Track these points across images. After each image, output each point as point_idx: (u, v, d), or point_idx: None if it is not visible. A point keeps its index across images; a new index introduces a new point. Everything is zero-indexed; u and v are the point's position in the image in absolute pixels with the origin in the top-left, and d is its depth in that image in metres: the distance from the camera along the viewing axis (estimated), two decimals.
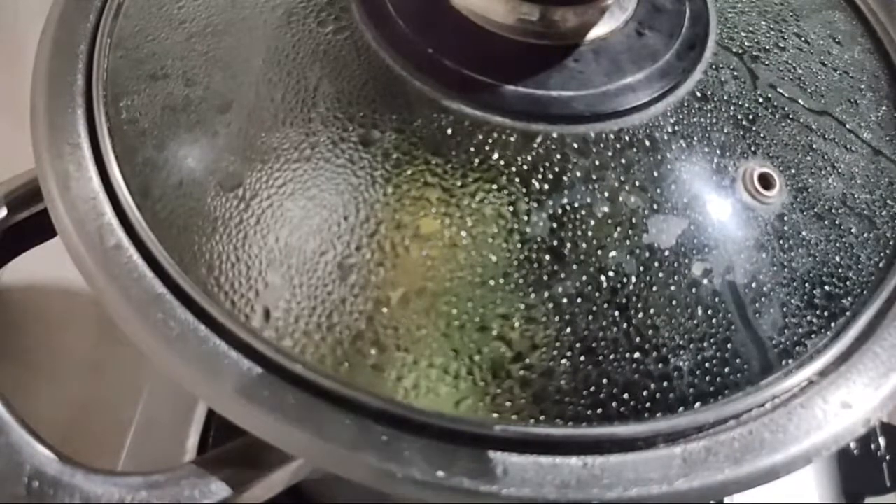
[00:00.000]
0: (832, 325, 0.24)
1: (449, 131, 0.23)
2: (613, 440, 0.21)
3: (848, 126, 0.27)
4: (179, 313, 0.22)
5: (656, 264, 0.23)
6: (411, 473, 0.20)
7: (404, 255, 0.22)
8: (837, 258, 0.25)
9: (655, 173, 0.23)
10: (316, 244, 0.22)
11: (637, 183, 0.23)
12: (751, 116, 0.25)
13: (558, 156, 0.23)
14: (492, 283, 0.22)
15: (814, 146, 0.26)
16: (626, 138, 0.24)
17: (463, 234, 0.22)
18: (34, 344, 0.46)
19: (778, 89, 0.26)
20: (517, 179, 0.23)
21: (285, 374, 0.21)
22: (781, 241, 0.24)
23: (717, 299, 0.23)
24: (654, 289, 0.22)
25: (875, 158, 0.27)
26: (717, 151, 0.24)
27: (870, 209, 0.26)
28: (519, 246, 0.22)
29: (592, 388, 0.21)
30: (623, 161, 0.23)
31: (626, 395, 0.21)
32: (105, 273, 0.23)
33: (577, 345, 0.22)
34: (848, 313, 0.24)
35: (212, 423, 0.40)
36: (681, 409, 0.22)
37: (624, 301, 0.22)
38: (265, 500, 0.23)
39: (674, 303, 0.22)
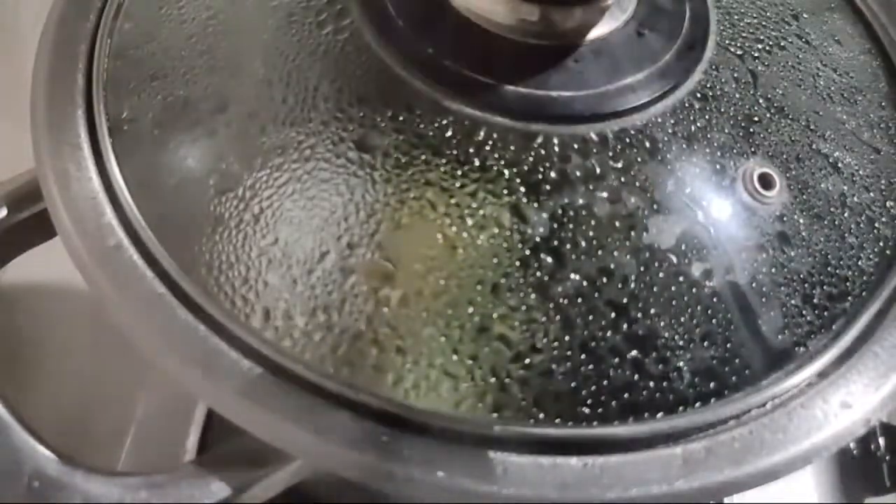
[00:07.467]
0: (832, 325, 0.24)
1: (449, 131, 0.23)
2: (613, 440, 0.21)
3: (848, 126, 0.27)
4: (179, 313, 0.22)
5: (656, 264, 0.23)
6: (411, 473, 0.20)
7: (404, 255, 0.22)
8: (837, 258, 0.25)
9: (655, 173, 0.23)
10: (316, 244, 0.22)
11: (637, 183, 0.23)
12: (751, 117, 0.25)
13: (558, 156, 0.23)
14: (492, 283, 0.22)
15: (814, 146, 0.26)
16: (627, 139, 0.24)
17: (463, 234, 0.22)
18: (34, 344, 0.46)
19: (778, 89, 0.26)
20: (517, 179, 0.23)
21: (285, 374, 0.21)
22: (781, 241, 0.24)
23: (716, 299, 0.23)
24: (654, 289, 0.22)
25: (875, 158, 0.27)
26: (717, 152, 0.24)
27: (870, 209, 0.26)
28: (519, 246, 0.22)
29: (592, 388, 0.21)
30: (623, 161, 0.23)
31: (626, 395, 0.21)
32: (105, 273, 0.23)
33: (577, 345, 0.22)
34: (848, 313, 0.24)
35: (212, 423, 0.40)
36: (681, 409, 0.22)
37: (624, 301, 0.22)
38: (265, 500, 0.23)
39: (674, 303, 0.22)
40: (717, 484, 0.21)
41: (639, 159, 0.23)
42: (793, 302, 0.24)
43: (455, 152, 0.23)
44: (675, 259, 0.23)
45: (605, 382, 0.21)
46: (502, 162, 0.23)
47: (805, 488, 0.42)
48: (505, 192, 0.22)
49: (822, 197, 0.25)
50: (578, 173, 0.23)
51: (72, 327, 0.46)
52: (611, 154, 0.23)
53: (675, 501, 0.21)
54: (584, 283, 0.22)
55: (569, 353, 0.21)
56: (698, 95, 0.25)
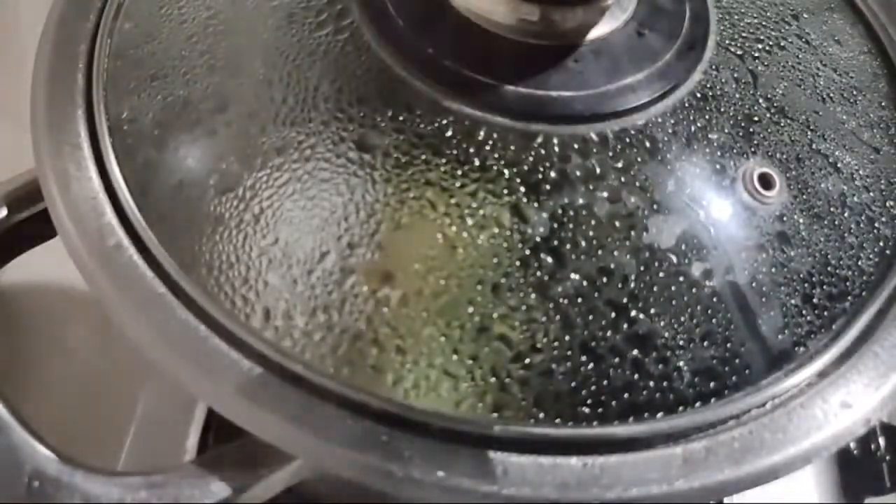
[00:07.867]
0: (832, 325, 0.24)
1: (449, 131, 0.23)
2: (613, 440, 0.21)
3: (848, 126, 0.27)
4: (179, 313, 0.22)
5: (656, 264, 0.23)
6: (411, 473, 0.20)
7: (404, 255, 0.22)
8: (837, 258, 0.25)
9: (655, 173, 0.23)
10: (316, 244, 0.22)
11: (637, 183, 0.23)
12: (751, 117, 0.25)
13: (558, 156, 0.23)
14: (492, 283, 0.22)
15: (814, 146, 0.26)
16: (627, 139, 0.24)
17: (463, 234, 0.22)
18: (34, 344, 0.46)
19: (778, 89, 0.26)
20: (517, 179, 0.23)
21: (285, 374, 0.21)
22: (781, 241, 0.24)
23: (716, 299, 0.23)
24: (654, 289, 0.22)
25: (875, 158, 0.27)
26: (717, 151, 0.24)
27: (870, 209, 0.26)
28: (519, 246, 0.22)
29: (592, 388, 0.21)
30: (623, 161, 0.23)
31: (626, 395, 0.22)
32: (105, 273, 0.23)
33: (577, 345, 0.22)
34: (848, 313, 0.24)
35: (212, 423, 0.40)
36: (681, 409, 0.22)
37: (624, 301, 0.22)
38: (265, 500, 0.23)
39: (674, 303, 0.22)
40: (717, 484, 0.21)
41: (639, 159, 0.23)
42: (793, 302, 0.24)
43: (455, 152, 0.23)
44: (675, 259, 0.23)
45: (605, 382, 0.21)
46: (502, 162, 0.23)
47: (805, 488, 0.42)
48: (505, 191, 0.22)
49: (822, 197, 0.25)
50: (578, 173, 0.23)
51: (72, 327, 0.46)
52: (611, 154, 0.23)
53: (675, 501, 0.21)
54: (584, 283, 0.22)
55: (569, 353, 0.21)
56: (698, 95, 0.25)
